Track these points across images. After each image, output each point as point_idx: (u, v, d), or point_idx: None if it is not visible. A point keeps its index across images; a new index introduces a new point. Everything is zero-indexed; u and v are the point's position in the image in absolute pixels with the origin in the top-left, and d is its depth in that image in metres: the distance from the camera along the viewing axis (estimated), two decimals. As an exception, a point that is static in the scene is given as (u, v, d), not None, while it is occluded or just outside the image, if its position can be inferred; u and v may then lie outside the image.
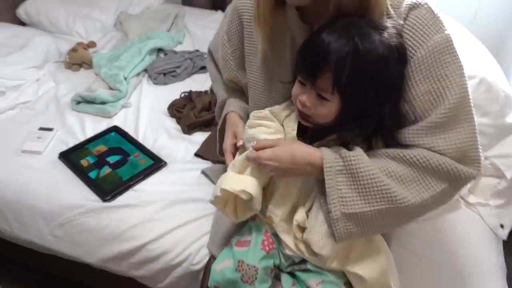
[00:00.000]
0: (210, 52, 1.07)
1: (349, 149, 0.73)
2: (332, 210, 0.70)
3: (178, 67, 1.66)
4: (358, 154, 0.71)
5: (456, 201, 1.12)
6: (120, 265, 1.09)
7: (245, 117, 0.93)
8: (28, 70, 1.62)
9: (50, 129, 1.35)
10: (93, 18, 1.97)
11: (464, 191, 1.12)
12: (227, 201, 0.81)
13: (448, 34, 0.70)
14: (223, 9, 2.27)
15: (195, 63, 1.70)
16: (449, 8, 1.54)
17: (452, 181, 0.69)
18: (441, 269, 0.98)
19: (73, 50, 1.69)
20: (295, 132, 0.78)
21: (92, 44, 1.82)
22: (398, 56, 0.67)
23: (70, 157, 1.24)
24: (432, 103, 0.70)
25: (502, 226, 1.08)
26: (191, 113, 1.38)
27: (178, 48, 1.87)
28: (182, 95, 1.49)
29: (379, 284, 0.80)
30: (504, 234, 1.08)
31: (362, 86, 0.66)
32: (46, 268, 1.33)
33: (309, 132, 0.78)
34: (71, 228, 1.11)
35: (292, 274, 0.86)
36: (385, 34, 0.66)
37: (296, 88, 0.74)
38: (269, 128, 0.81)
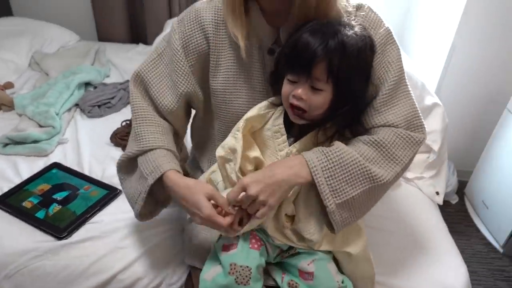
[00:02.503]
0: (139, 77, 0.92)
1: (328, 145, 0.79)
2: (328, 205, 0.74)
3: (113, 97, 1.62)
4: (337, 146, 0.76)
5: (398, 179, 1.26)
6: (88, 303, 1.00)
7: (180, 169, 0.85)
8: None
9: (-23, 177, 1.20)
10: (5, 60, 1.83)
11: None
12: None
13: (388, 27, 0.82)
14: (144, 41, 2.29)
15: (129, 92, 1.67)
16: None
17: (411, 147, 0.79)
18: (396, 236, 1.10)
19: (-11, 92, 1.55)
20: (282, 129, 0.81)
21: (9, 85, 1.69)
22: (371, 46, 0.78)
23: (9, 201, 1.12)
24: (379, 87, 0.81)
25: (437, 193, 1.24)
26: (137, 139, 1.35)
27: (106, 82, 1.82)
28: (124, 123, 1.45)
29: (363, 256, 0.87)
30: (440, 199, 1.24)
31: (349, 73, 0.73)
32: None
33: (293, 131, 0.82)
34: (22, 277, 0.99)
35: (279, 265, 0.89)
36: (357, 30, 0.75)
37: (286, 88, 0.76)
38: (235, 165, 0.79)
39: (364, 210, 0.80)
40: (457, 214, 1.93)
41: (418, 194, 1.25)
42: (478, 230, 1.84)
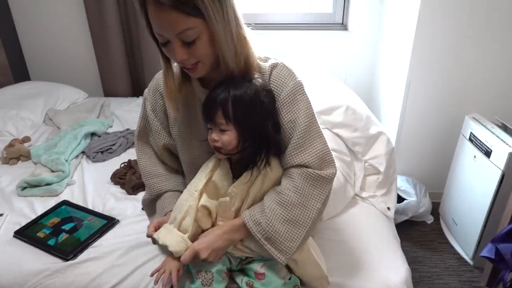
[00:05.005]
0: (140, 134, 1.18)
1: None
2: (280, 262, 0.96)
3: (114, 144, 1.88)
4: (268, 217, 0.94)
5: (354, 198, 1.47)
6: (89, 315, 1.19)
7: None
8: (-35, 171, 1.71)
9: (0, 215, 1.44)
10: (23, 118, 2.13)
11: (357, 190, 1.48)
12: None
13: (299, 80, 0.99)
14: (143, 94, 2.60)
15: (128, 139, 1.94)
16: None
17: (324, 185, 0.97)
18: (350, 245, 1.28)
19: (10, 145, 1.83)
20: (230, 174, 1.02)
21: (26, 139, 1.97)
22: (267, 93, 0.95)
23: (26, 233, 1.35)
24: (292, 130, 0.97)
25: (388, 208, 1.43)
26: (133, 177, 1.60)
27: (110, 131, 2.10)
28: (122, 165, 1.71)
29: (308, 261, 1.06)
30: (391, 214, 1.43)
31: (244, 115, 0.92)
32: None
33: (233, 173, 1.03)
34: (37, 293, 1.20)
35: (242, 271, 1.09)
36: (253, 83, 0.96)
37: (209, 135, 0.99)
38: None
39: (306, 240, 1.00)
40: (432, 232, 2.09)
41: (372, 210, 1.45)
42: (451, 246, 1.99)
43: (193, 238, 1.01)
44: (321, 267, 1.08)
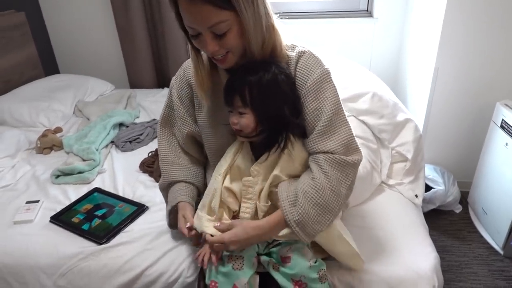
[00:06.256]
0: (164, 120, 1.21)
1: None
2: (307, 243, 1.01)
3: (141, 134, 1.93)
4: (301, 201, 0.95)
5: (380, 186, 1.46)
6: (122, 296, 1.24)
7: (193, 202, 1.16)
8: (2, 160, 1.79)
9: (36, 201, 1.51)
10: (54, 110, 2.21)
11: (384, 177, 1.47)
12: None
13: (326, 68, 0.98)
14: (168, 86, 2.65)
15: (154, 129, 1.98)
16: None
17: (349, 170, 0.97)
18: (378, 232, 1.27)
19: (43, 135, 1.90)
20: (251, 157, 1.05)
21: (58, 130, 2.04)
22: (285, 77, 0.95)
23: (61, 218, 1.41)
24: (317, 117, 0.97)
25: (416, 196, 1.41)
26: (161, 165, 1.63)
27: (137, 121, 2.15)
28: (150, 154, 1.75)
29: (337, 236, 1.07)
30: (419, 201, 1.41)
31: (261, 99, 0.94)
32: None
33: (255, 154, 1.05)
34: (73, 275, 1.25)
35: (268, 254, 1.10)
36: (272, 67, 0.94)
37: (229, 118, 1.01)
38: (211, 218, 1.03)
39: (330, 226, 1.01)
40: (460, 221, 2.05)
41: (399, 197, 1.43)
42: (480, 236, 1.95)
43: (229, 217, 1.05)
44: (349, 243, 1.08)
